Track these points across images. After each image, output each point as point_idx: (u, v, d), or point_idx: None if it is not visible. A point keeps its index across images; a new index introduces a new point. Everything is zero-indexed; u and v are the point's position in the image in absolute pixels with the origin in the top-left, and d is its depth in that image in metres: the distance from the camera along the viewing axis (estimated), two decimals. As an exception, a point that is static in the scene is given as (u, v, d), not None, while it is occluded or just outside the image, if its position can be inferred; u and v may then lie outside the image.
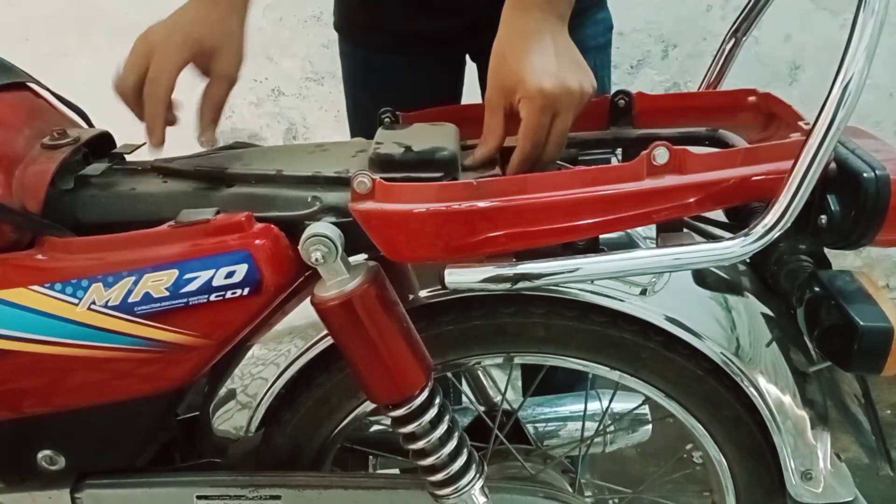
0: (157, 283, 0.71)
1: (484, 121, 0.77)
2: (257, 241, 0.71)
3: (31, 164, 0.75)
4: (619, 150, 0.89)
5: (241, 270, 0.71)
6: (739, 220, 0.79)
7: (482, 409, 1.06)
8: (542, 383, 1.00)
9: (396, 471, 1.03)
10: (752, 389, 0.80)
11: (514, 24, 0.76)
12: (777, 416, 0.80)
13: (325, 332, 0.78)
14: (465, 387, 1.12)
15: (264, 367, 0.84)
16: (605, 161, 0.87)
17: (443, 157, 0.72)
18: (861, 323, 0.65)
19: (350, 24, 1.16)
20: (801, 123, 0.77)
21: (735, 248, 0.66)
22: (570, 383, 1.25)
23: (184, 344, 0.74)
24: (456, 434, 0.79)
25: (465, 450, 0.79)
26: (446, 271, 0.70)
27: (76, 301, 0.71)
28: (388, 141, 0.75)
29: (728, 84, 0.93)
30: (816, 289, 0.70)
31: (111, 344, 0.73)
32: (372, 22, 1.12)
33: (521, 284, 0.69)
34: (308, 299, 0.73)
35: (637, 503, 1.33)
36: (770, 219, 0.64)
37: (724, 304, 0.82)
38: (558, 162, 0.81)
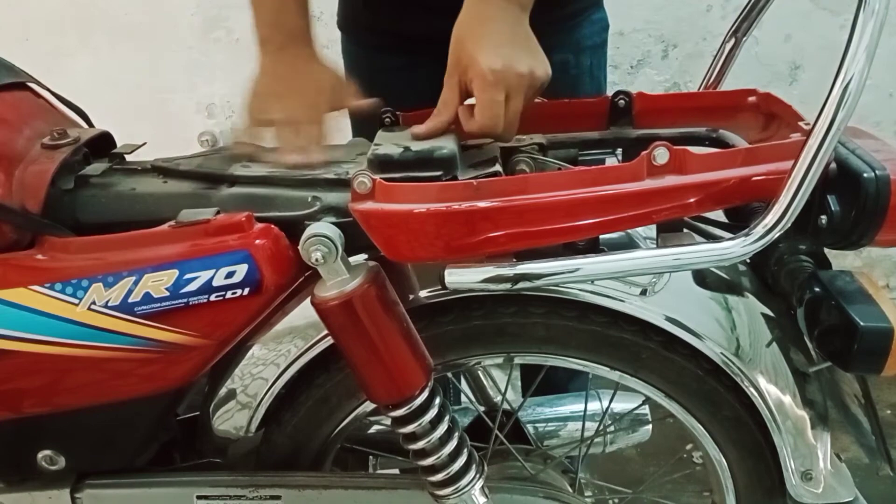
0: (157, 283, 0.71)
1: (441, 96, 0.79)
2: (257, 241, 0.71)
3: (31, 164, 0.75)
4: (619, 150, 0.89)
5: (241, 270, 0.71)
6: (739, 220, 0.79)
7: (482, 409, 1.06)
8: (542, 380, 1.01)
9: (396, 471, 1.03)
10: (752, 389, 0.80)
11: (476, 8, 0.79)
12: (777, 416, 0.80)
13: (325, 332, 0.78)
14: (464, 386, 1.12)
15: (264, 367, 0.84)
16: (605, 161, 0.87)
17: (442, 155, 0.72)
18: (861, 323, 0.64)
19: (352, 24, 1.18)
20: (801, 123, 0.77)
21: (735, 248, 0.66)
22: (567, 381, 1.25)
23: (184, 344, 0.74)
24: (456, 434, 0.79)
25: (465, 450, 0.79)
26: (446, 271, 0.70)
27: (76, 301, 0.71)
28: (388, 142, 0.75)
29: (728, 84, 0.93)
30: (816, 289, 0.70)
31: (111, 344, 0.73)
32: (374, 22, 1.14)
33: (521, 284, 0.69)
34: (308, 299, 0.73)
35: (637, 503, 1.33)
36: (770, 219, 0.64)
37: (724, 304, 0.82)
38: (558, 162, 0.81)
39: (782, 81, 1.97)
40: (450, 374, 1.03)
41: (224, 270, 0.71)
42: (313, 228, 0.69)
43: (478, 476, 0.80)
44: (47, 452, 0.81)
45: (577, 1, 1.09)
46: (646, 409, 1.11)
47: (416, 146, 0.73)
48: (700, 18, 1.93)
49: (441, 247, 0.69)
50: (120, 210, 0.76)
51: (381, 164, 0.73)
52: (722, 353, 0.79)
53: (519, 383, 1.35)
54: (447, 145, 0.73)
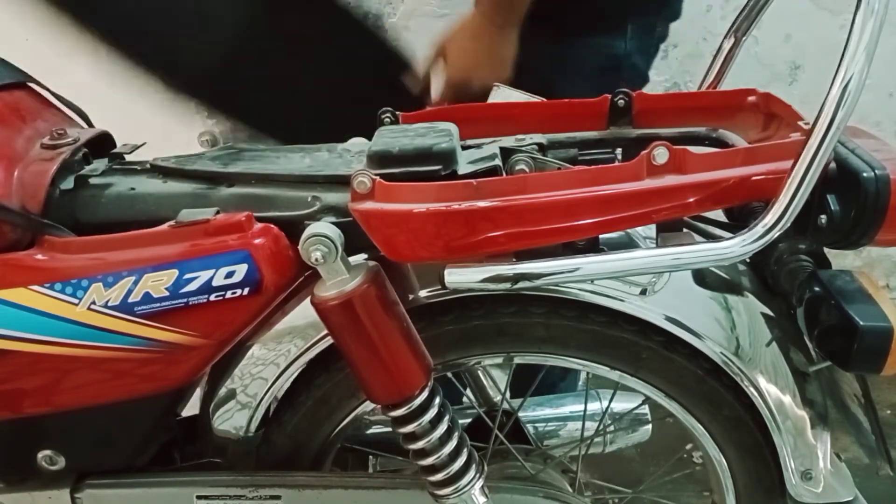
0: (157, 283, 0.71)
1: None
2: (257, 241, 0.71)
3: (31, 164, 0.75)
4: (619, 150, 0.89)
5: (240, 270, 0.71)
6: (739, 220, 0.79)
7: (482, 409, 1.06)
8: (533, 379, 1.01)
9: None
10: (752, 389, 0.80)
11: None
12: (777, 416, 0.80)
13: (325, 332, 0.78)
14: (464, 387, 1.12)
15: (264, 367, 0.84)
16: (605, 161, 0.87)
17: (441, 149, 0.72)
18: (861, 323, 0.64)
19: None
20: (801, 123, 0.77)
21: (735, 248, 0.66)
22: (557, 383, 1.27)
23: (184, 344, 0.74)
24: (456, 434, 0.78)
25: (465, 450, 0.79)
26: (446, 271, 0.70)
27: (76, 301, 0.71)
28: (387, 138, 0.75)
29: (728, 84, 0.93)
30: (816, 289, 0.70)
31: (111, 344, 0.73)
32: None
33: (521, 284, 0.69)
34: (308, 299, 0.73)
35: (637, 503, 1.33)
36: (770, 219, 0.64)
37: (724, 304, 0.82)
38: (558, 162, 0.81)
39: (782, 81, 1.96)
40: (450, 374, 1.03)
41: (224, 270, 0.71)
42: (313, 228, 0.69)
43: (478, 476, 0.80)
44: (47, 452, 0.81)
45: (565, 23, 1.12)
46: (646, 409, 1.11)
47: (416, 141, 0.73)
48: (700, 18, 1.92)
49: (441, 246, 0.69)
50: (120, 210, 0.76)
51: (381, 158, 0.73)
52: (722, 353, 0.79)
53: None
54: (446, 140, 0.73)
